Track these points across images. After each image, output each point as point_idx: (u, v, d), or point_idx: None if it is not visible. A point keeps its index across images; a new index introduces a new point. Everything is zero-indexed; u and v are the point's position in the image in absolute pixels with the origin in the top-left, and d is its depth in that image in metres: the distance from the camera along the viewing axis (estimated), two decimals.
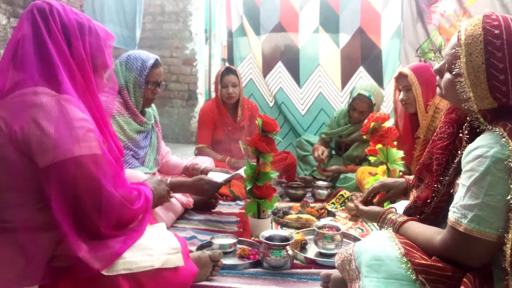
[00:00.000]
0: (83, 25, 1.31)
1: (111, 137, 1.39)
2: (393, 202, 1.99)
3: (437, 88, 1.31)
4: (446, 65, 1.22)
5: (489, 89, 1.10)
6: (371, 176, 2.29)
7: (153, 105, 2.57)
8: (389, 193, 1.72)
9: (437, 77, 1.29)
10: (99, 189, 1.20)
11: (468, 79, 1.12)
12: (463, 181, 1.10)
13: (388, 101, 4.15)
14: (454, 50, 1.18)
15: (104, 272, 1.19)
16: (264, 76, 4.36)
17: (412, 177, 1.70)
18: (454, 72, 1.17)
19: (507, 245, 1.00)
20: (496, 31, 1.10)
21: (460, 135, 1.28)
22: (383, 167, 2.32)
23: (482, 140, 1.10)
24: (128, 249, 1.27)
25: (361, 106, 3.22)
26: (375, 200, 1.70)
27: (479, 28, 1.13)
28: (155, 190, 1.62)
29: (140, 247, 1.31)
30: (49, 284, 1.16)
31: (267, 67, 4.36)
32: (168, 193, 1.78)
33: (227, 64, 4.44)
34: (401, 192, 1.71)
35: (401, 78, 2.53)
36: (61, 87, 1.20)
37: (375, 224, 1.52)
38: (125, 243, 1.28)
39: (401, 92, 2.53)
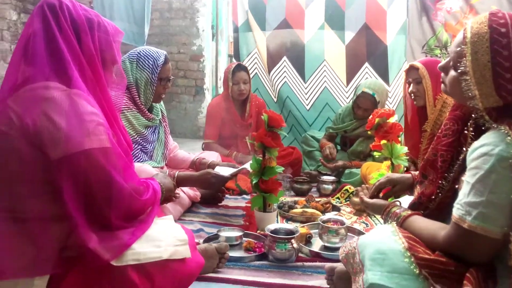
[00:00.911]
0: (92, 21, 1.32)
1: (120, 131, 1.41)
2: (397, 197, 2.02)
3: (442, 85, 1.30)
4: (452, 63, 1.22)
5: (495, 87, 1.10)
6: (376, 172, 2.31)
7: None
8: (395, 188, 1.72)
9: (442, 74, 1.29)
10: (109, 181, 1.21)
11: (474, 77, 1.12)
12: (468, 178, 1.10)
13: (393, 97, 4.16)
14: (459, 48, 1.17)
15: (114, 263, 1.20)
16: (269, 71, 4.38)
17: (417, 172, 1.72)
18: (459, 70, 1.17)
19: None
20: (503, 29, 1.10)
21: (465, 132, 1.28)
22: (388, 163, 2.33)
23: (488, 138, 1.10)
24: (137, 240, 1.28)
25: (365, 104, 3.24)
26: (380, 195, 1.71)
27: (485, 26, 1.12)
28: (163, 184, 1.63)
29: (148, 238, 1.33)
30: (59, 274, 1.17)
31: (272, 62, 4.38)
32: (175, 187, 1.79)
33: (234, 60, 4.46)
34: (407, 188, 1.71)
35: (411, 70, 2.54)
36: (71, 82, 1.22)
37: (380, 218, 1.53)
38: (134, 234, 1.29)
39: (411, 85, 2.54)
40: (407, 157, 2.38)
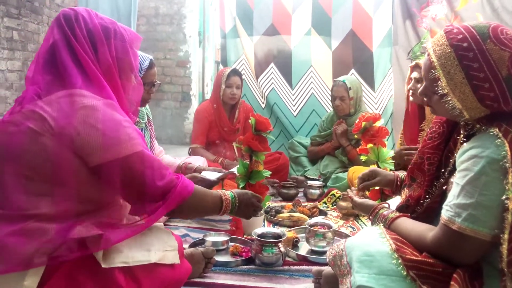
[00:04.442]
0: (108, 29, 1.34)
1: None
2: (384, 200, 2.03)
3: (430, 108, 1.31)
4: (429, 88, 1.23)
5: (478, 99, 1.11)
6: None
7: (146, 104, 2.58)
8: (375, 180, 1.76)
9: (425, 99, 1.30)
10: (144, 181, 1.27)
11: (455, 96, 1.14)
12: (458, 180, 1.11)
13: (378, 103, 4.19)
14: (430, 73, 1.19)
15: (103, 264, 1.20)
16: (257, 77, 4.39)
17: (401, 172, 1.73)
18: (439, 93, 1.18)
19: (504, 246, 1.01)
20: (465, 44, 1.12)
21: (457, 137, 1.29)
22: (374, 166, 2.34)
23: (477, 141, 1.11)
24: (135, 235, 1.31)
25: (338, 91, 3.39)
26: (368, 193, 1.72)
27: (446, 46, 1.14)
28: (239, 195, 1.60)
29: (139, 242, 1.33)
30: (47, 273, 1.16)
31: (259, 69, 4.39)
32: (253, 207, 1.68)
33: (221, 67, 4.47)
34: (387, 183, 1.74)
35: (416, 68, 2.56)
36: (102, 91, 1.27)
37: (367, 222, 1.54)
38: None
39: (412, 82, 2.57)
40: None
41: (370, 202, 1.56)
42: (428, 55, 1.20)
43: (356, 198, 1.64)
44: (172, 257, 1.38)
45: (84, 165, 1.20)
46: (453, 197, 1.11)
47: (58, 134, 1.17)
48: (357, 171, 2.87)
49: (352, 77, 3.70)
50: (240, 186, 2.24)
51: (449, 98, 1.15)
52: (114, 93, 1.33)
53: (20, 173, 1.19)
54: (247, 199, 1.63)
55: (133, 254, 1.28)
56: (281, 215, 2.50)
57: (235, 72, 3.55)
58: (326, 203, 2.92)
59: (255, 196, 1.68)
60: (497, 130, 1.08)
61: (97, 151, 1.19)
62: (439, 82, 1.16)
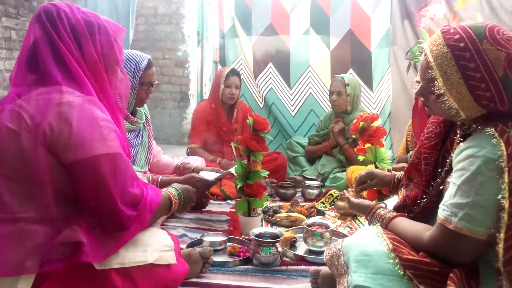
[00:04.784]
0: (92, 24, 1.31)
1: (123, 136, 1.41)
2: (382, 200, 2.03)
3: (427, 108, 1.31)
4: (426, 88, 1.24)
5: (474, 100, 1.12)
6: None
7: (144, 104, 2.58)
8: (373, 182, 1.78)
9: (423, 99, 1.30)
10: (115, 185, 1.23)
11: (451, 96, 1.14)
12: (454, 179, 1.12)
13: (377, 102, 4.20)
14: (427, 73, 1.19)
15: (97, 266, 1.20)
16: (255, 77, 4.39)
17: (398, 172, 1.74)
18: (435, 93, 1.18)
19: (500, 245, 1.01)
20: (461, 44, 1.12)
21: (453, 137, 1.30)
22: (372, 166, 2.35)
23: (474, 140, 1.11)
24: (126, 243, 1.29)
25: (336, 86, 3.43)
26: (365, 193, 1.73)
27: (443, 46, 1.15)
28: (182, 193, 1.62)
29: (135, 243, 1.32)
30: (42, 275, 1.16)
31: (258, 68, 4.39)
32: (194, 197, 1.74)
33: (219, 67, 4.48)
34: (384, 184, 1.76)
35: None
36: (83, 88, 1.24)
37: (364, 222, 1.54)
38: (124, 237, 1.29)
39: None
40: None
41: (367, 202, 1.57)
42: (425, 55, 1.21)
43: (353, 199, 1.65)
44: (169, 257, 1.39)
45: (60, 163, 1.18)
46: (450, 196, 1.12)
47: (33, 131, 1.16)
48: (356, 171, 2.87)
49: (351, 76, 3.76)
50: (238, 186, 2.24)
51: (445, 98, 1.16)
52: (101, 89, 1.32)
53: (3, 174, 1.17)
54: (189, 196, 1.67)
55: (129, 255, 1.28)
56: (279, 215, 2.50)
57: (234, 72, 3.56)
58: (324, 203, 2.92)
59: (194, 191, 1.73)
60: (493, 130, 1.08)
61: (70, 149, 1.16)
62: (436, 82, 1.16)
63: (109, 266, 1.22)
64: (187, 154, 3.51)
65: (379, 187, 1.79)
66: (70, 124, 1.16)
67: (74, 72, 1.24)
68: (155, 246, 1.37)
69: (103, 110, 1.26)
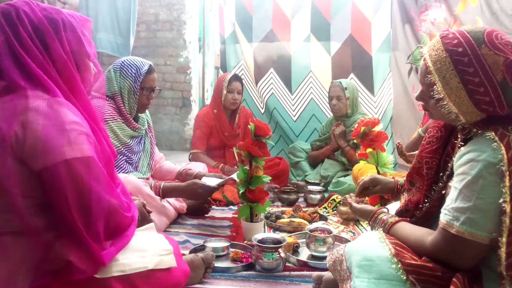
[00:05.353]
0: (56, 21, 1.24)
1: (103, 136, 1.36)
2: (384, 204, 2.03)
3: (427, 112, 1.32)
4: (426, 92, 1.25)
5: (473, 104, 1.12)
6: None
7: (146, 110, 2.59)
8: (376, 188, 1.78)
9: (423, 104, 1.31)
10: (89, 192, 1.17)
11: (450, 100, 1.15)
12: (455, 184, 1.12)
13: (378, 107, 4.20)
14: (427, 78, 1.20)
15: (97, 275, 1.18)
16: (256, 82, 4.40)
17: (401, 178, 1.74)
18: (435, 98, 1.19)
19: (502, 249, 1.01)
20: (460, 49, 1.13)
21: (454, 141, 1.30)
22: (374, 170, 2.35)
23: (474, 144, 1.12)
24: (117, 254, 1.25)
25: (335, 91, 3.48)
26: (367, 199, 1.73)
27: (442, 51, 1.16)
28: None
29: (133, 248, 1.31)
30: (39, 286, 1.15)
31: (259, 74, 4.40)
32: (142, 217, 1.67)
33: (221, 72, 4.50)
34: (388, 191, 1.76)
35: None
36: (49, 91, 1.19)
37: (367, 227, 1.54)
38: (115, 246, 1.26)
39: None
40: None
41: (369, 207, 1.57)
42: (424, 60, 1.22)
43: (355, 204, 1.65)
44: (169, 261, 1.37)
45: (32, 172, 1.13)
46: (451, 201, 1.12)
47: (0, 140, 1.12)
48: (362, 169, 2.87)
49: (348, 80, 3.82)
50: (240, 192, 2.24)
51: (445, 103, 1.16)
52: (72, 89, 1.25)
53: None
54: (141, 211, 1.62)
55: (129, 262, 1.26)
56: (281, 220, 2.50)
57: (236, 78, 3.58)
58: (326, 208, 2.92)
59: (144, 205, 1.71)
60: (493, 134, 1.09)
61: (37, 156, 1.11)
62: (435, 86, 1.17)
63: (110, 274, 1.21)
64: (190, 160, 3.52)
65: (382, 193, 1.80)
66: (35, 131, 1.11)
67: (38, 77, 1.18)
68: (154, 250, 1.36)
69: (73, 111, 1.20)
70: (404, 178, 1.57)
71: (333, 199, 2.93)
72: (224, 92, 3.49)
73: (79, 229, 1.15)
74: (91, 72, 1.35)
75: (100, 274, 1.19)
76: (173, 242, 1.50)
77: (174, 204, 2.48)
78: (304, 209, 2.72)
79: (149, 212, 1.77)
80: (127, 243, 1.31)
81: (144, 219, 1.64)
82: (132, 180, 2.16)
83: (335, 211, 2.79)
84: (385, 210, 1.49)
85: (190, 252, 1.96)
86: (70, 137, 1.15)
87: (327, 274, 1.55)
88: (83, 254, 1.16)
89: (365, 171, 2.73)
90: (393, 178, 1.81)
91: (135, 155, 2.48)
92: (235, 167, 3.40)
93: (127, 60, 2.43)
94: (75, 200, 1.15)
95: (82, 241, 1.16)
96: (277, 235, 2.00)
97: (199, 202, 2.63)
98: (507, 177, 1.02)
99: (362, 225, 2.50)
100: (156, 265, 1.32)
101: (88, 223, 1.17)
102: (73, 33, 1.27)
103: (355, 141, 2.54)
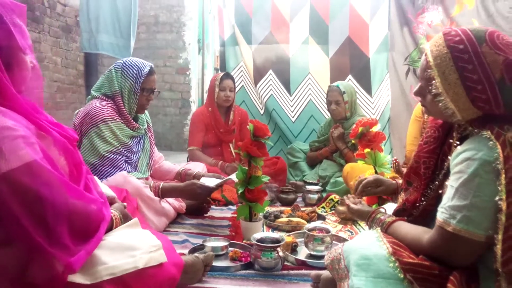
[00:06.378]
0: None
1: (53, 124, 1.25)
2: (381, 204, 2.04)
3: (424, 108, 1.34)
4: (424, 87, 1.26)
5: (470, 101, 1.13)
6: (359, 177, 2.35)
7: (145, 110, 2.60)
8: (379, 189, 1.79)
9: (420, 99, 1.32)
10: (40, 201, 1.07)
11: (448, 96, 1.16)
12: (452, 182, 1.13)
13: (375, 108, 4.22)
14: (426, 72, 1.22)
15: (88, 281, 1.15)
16: (256, 84, 4.42)
17: (401, 180, 1.75)
18: (433, 93, 1.21)
19: (498, 246, 1.02)
20: (461, 46, 1.14)
21: (450, 140, 1.31)
22: (371, 170, 2.36)
23: (470, 143, 1.13)
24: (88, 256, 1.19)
25: (333, 96, 3.49)
26: (364, 199, 1.73)
27: (443, 47, 1.17)
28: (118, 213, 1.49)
29: (122, 248, 1.28)
30: None
31: (258, 75, 4.42)
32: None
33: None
34: (390, 192, 1.77)
35: None
36: None
37: (365, 227, 1.55)
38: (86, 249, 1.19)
39: None
40: None
41: (366, 208, 1.58)
42: (425, 55, 1.23)
43: (353, 205, 1.66)
44: (159, 257, 1.34)
45: None
46: (448, 199, 1.13)
47: None
48: (351, 169, 2.89)
49: (345, 82, 3.83)
50: (239, 192, 2.26)
51: (442, 98, 1.18)
52: (2, 92, 1.11)
53: None
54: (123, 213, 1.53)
55: (118, 264, 1.22)
56: (280, 219, 2.51)
57: (228, 76, 3.69)
58: (324, 208, 2.93)
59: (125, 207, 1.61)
60: (489, 132, 1.10)
61: None
62: (434, 81, 1.18)
63: (101, 279, 1.17)
64: (188, 160, 3.53)
65: (385, 194, 1.81)
66: None
67: None
68: (143, 248, 1.31)
69: (8, 114, 1.09)
70: None
71: (331, 199, 2.95)
72: (217, 90, 3.59)
73: (38, 242, 1.07)
74: (27, 68, 1.20)
75: (91, 280, 1.16)
76: (163, 237, 1.46)
77: (173, 204, 2.49)
78: (302, 209, 2.74)
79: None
80: (97, 243, 1.23)
81: (126, 220, 1.55)
82: (132, 181, 2.18)
83: (333, 211, 2.81)
84: (382, 210, 1.50)
85: (189, 252, 1.97)
86: (1, 148, 1.03)
87: (325, 273, 1.55)
88: (44, 267, 1.10)
89: (354, 172, 2.75)
90: (394, 180, 1.82)
91: (135, 155, 2.49)
92: (233, 163, 3.45)
93: (129, 60, 2.45)
94: (25, 215, 1.06)
95: (45, 254, 1.09)
96: (276, 235, 2.01)
97: (198, 202, 2.64)
98: (503, 175, 1.03)
99: (359, 225, 2.52)
100: (146, 263, 1.29)
101: (46, 234, 1.08)
102: (1, 25, 1.11)
103: (353, 141, 2.55)
